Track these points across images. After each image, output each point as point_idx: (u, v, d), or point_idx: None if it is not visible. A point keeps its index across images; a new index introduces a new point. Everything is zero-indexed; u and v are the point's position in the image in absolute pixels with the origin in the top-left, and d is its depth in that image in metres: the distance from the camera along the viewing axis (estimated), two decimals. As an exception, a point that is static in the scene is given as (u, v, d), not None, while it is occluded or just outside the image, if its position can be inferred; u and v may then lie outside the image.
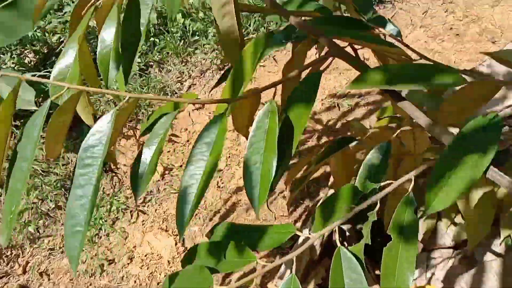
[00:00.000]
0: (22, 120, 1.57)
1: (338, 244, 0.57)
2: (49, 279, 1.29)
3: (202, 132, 0.60)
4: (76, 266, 0.54)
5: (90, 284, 1.25)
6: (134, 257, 1.31)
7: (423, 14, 1.95)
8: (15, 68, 1.74)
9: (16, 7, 0.75)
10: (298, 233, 0.64)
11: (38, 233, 1.39)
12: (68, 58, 0.65)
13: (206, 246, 0.69)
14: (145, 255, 1.30)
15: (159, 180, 1.55)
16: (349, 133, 1.54)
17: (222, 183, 1.49)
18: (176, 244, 1.31)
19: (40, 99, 1.60)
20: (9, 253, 1.34)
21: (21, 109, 1.35)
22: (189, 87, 1.81)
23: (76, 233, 0.55)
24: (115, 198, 1.47)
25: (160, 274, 1.25)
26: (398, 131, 0.70)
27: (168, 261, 1.27)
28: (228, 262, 0.64)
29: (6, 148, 0.63)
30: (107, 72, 0.65)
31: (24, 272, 1.31)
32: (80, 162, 0.58)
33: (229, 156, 1.57)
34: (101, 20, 0.65)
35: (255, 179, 0.60)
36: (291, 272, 0.60)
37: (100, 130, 0.60)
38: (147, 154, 0.64)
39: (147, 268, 1.26)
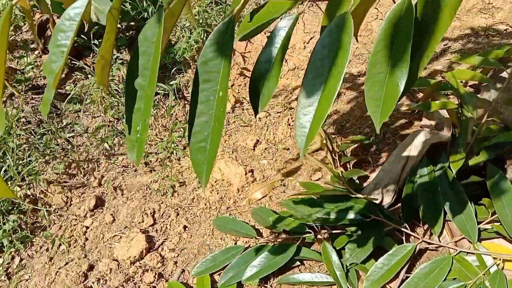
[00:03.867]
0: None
1: None
2: (122, 194, 1.34)
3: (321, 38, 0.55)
4: (206, 181, 0.54)
5: (162, 202, 1.29)
6: (204, 182, 1.32)
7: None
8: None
9: None
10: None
11: (113, 150, 1.44)
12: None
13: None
14: (215, 181, 1.32)
15: (229, 112, 1.54)
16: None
17: (293, 120, 1.46)
18: (246, 174, 1.31)
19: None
20: (86, 166, 1.40)
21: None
22: None
23: (201, 149, 0.55)
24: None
25: (229, 200, 1.26)
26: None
27: (238, 189, 1.28)
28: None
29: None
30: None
31: (100, 185, 1.37)
32: (200, 76, 0.57)
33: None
34: None
35: (378, 90, 0.55)
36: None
37: (219, 41, 0.57)
38: (269, 51, 0.60)
39: (217, 193, 1.28)
